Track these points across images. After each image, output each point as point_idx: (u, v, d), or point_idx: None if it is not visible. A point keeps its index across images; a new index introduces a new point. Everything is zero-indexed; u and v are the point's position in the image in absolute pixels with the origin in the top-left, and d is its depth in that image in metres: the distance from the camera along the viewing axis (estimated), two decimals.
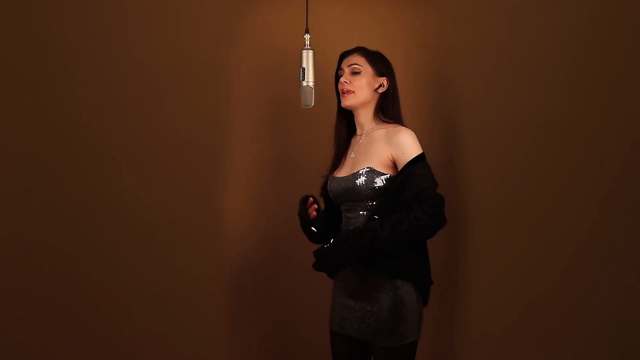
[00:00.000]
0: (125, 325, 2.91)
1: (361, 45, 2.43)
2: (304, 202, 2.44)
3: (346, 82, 2.34)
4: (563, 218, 2.74)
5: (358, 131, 2.42)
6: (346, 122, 2.46)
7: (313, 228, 2.42)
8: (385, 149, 2.29)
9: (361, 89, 2.34)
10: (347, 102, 2.36)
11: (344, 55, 2.42)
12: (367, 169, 2.28)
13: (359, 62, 2.36)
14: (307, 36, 2.34)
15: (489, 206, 2.79)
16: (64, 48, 2.88)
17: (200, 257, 2.92)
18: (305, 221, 2.44)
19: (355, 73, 2.35)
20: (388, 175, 2.28)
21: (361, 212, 2.30)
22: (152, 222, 2.91)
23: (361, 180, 2.28)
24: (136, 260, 2.91)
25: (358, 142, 2.39)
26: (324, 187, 2.47)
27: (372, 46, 2.45)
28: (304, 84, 2.34)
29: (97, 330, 2.90)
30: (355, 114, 2.41)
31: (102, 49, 2.88)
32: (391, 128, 2.32)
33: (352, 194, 2.30)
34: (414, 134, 2.28)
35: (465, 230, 2.82)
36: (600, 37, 2.71)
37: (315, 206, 2.38)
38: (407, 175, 2.21)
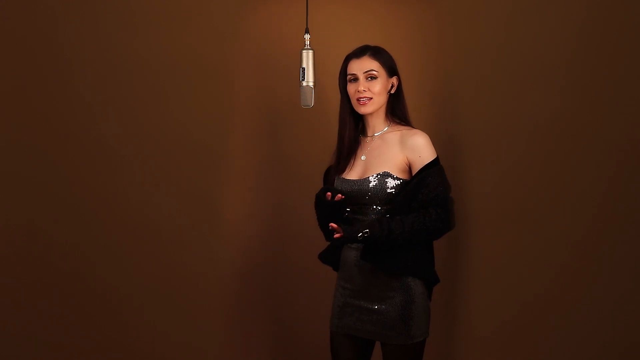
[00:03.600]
0: (129, 320, 2.91)
1: (358, 45, 2.41)
2: (324, 193, 2.32)
3: (365, 90, 2.31)
4: (562, 216, 2.74)
5: (368, 132, 2.40)
6: (353, 122, 2.43)
7: (348, 208, 2.33)
8: (400, 153, 2.29)
9: (379, 95, 2.33)
10: (368, 109, 2.33)
11: (351, 57, 2.37)
12: (382, 173, 2.28)
13: (374, 67, 2.33)
14: (307, 36, 2.34)
15: (488, 205, 2.78)
16: (68, 47, 2.88)
17: (203, 255, 2.92)
18: (329, 209, 2.30)
19: (371, 78, 2.33)
20: (402, 180, 2.28)
21: (372, 216, 2.30)
22: (155, 220, 2.91)
23: (375, 184, 2.27)
24: (140, 257, 2.91)
25: (369, 144, 2.38)
26: (330, 185, 2.43)
27: None
28: (304, 84, 2.34)
29: (101, 325, 2.91)
30: (367, 116, 2.39)
31: (103, 50, 2.88)
32: (405, 131, 2.33)
33: (364, 197, 2.29)
34: (428, 138, 2.31)
35: (465, 229, 2.82)
36: (599, 36, 2.70)
37: (339, 195, 2.28)
38: (423, 179, 2.23)
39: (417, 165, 2.27)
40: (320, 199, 2.31)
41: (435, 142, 2.76)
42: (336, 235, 2.23)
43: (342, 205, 2.27)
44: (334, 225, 2.22)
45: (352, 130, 2.42)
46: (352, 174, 2.36)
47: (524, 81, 2.74)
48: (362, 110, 2.34)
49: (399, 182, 2.27)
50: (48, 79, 2.89)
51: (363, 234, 2.21)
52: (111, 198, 2.91)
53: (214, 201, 2.93)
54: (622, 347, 2.71)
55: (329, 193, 2.26)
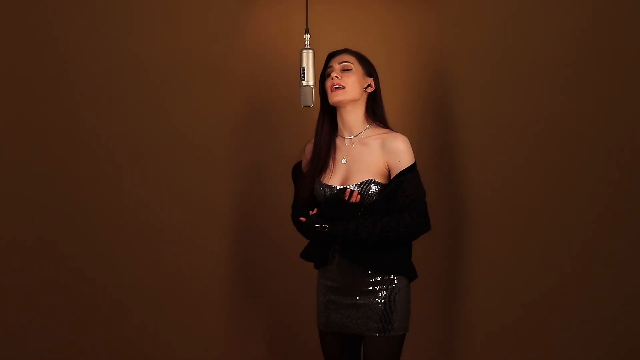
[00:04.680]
0: (122, 324, 2.91)
1: (358, 45, 2.43)
2: (342, 193, 2.31)
3: (337, 77, 2.32)
4: (565, 219, 2.73)
5: (345, 133, 2.39)
6: (329, 123, 2.43)
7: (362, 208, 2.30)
8: (381, 158, 2.31)
9: (352, 86, 2.33)
10: (338, 97, 2.32)
11: (332, 55, 2.41)
12: (366, 181, 2.29)
13: (350, 60, 2.36)
14: (307, 36, 2.34)
15: (491, 208, 2.78)
16: (63, 47, 2.88)
17: (198, 257, 2.92)
18: (346, 210, 2.29)
19: (346, 70, 2.34)
20: (383, 185, 2.30)
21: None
22: (150, 221, 2.90)
23: (359, 191, 2.28)
24: (134, 259, 2.91)
25: (348, 147, 2.37)
26: (306, 187, 2.41)
27: (371, 47, 2.46)
28: (304, 84, 2.33)
29: (95, 330, 2.90)
30: (341, 114, 2.38)
31: (101, 48, 2.88)
32: (387, 135, 2.32)
33: (355, 203, 2.30)
34: (409, 142, 2.31)
35: (468, 231, 2.82)
36: (602, 38, 2.70)
37: (357, 194, 2.28)
38: (401, 183, 2.26)
39: (395, 170, 2.29)
40: (336, 200, 2.30)
41: (435, 143, 2.77)
42: (302, 218, 2.31)
43: (358, 206, 2.28)
44: (316, 211, 2.30)
45: (328, 129, 2.42)
46: (334, 179, 2.36)
47: (527, 83, 2.74)
48: (333, 98, 2.33)
49: (381, 186, 2.29)
50: (38, 80, 2.87)
51: (322, 227, 2.25)
52: (105, 200, 2.89)
53: (213, 202, 2.92)
54: (625, 350, 2.70)
55: (348, 190, 2.28)
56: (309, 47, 2.33)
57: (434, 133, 2.86)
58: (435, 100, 2.89)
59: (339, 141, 2.41)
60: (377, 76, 2.42)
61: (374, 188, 2.28)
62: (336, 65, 2.36)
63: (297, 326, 2.98)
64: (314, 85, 2.34)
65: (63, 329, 2.89)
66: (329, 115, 2.43)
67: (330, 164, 2.38)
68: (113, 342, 2.91)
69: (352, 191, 2.28)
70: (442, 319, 2.86)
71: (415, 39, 2.89)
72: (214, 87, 2.91)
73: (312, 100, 2.34)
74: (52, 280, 2.89)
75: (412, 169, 2.28)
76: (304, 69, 2.33)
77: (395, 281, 2.29)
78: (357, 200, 2.27)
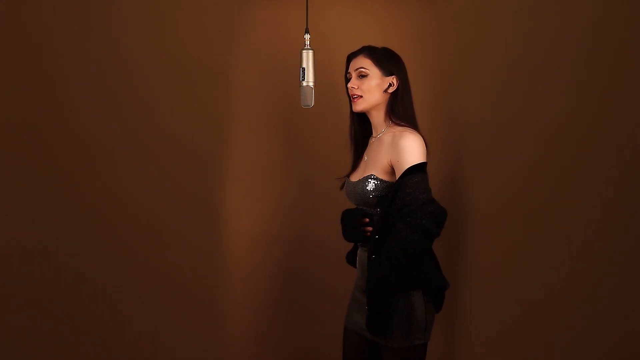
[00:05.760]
0: (122, 324, 2.91)
1: (358, 45, 2.42)
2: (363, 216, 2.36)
3: (354, 87, 2.33)
4: (566, 220, 2.73)
5: (373, 133, 2.41)
6: (361, 122, 2.44)
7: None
8: (387, 155, 2.27)
9: (370, 92, 2.32)
10: (358, 107, 2.34)
11: (350, 58, 2.39)
12: (372, 176, 2.28)
13: (365, 64, 2.33)
14: (307, 36, 2.34)
15: (491, 208, 2.78)
16: (60, 47, 2.87)
17: (198, 259, 2.92)
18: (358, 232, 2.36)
19: (362, 76, 2.33)
20: (385, 182, 2.27)
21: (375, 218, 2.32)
22: (151, 224, 2.90)
23: (368, 187, 2.28)
24: (134, 261, 2.90)
25: (371, 145, 2.39)
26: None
27: None
28: (304, 84, 2.33)
29: (94, 330, 2.90)
30: (368, 116, 2.40)
31: (100, 49, 2.88)
32: (397, 132, 2.27)
33: (362, 199, 2.30)
34: (418, 140, 2.23)
35: (468, 232, 2.81)
36: (605, 38, 2.70)
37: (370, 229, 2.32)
38: (398, 187, 2.18)
39: (397, 170, 2.22)
40: (351, 214, 2.36)
41: (435, 145, 2.76)
42: None
43: (370, 202, 2.30)
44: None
45: (358, 130, 2.45)
46: (355, 175, 2.39)
47: (529, 83, 2.73)
48: (354, 108, 2.36)
49: (385, 184, 2.26)
50: (35, 81, 2.87)
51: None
52: (105, 203, 2.89)
53: (212, 203, 2.92)
54: (626, 351, 2.70)
55: (365, 220, 2.32)
56: (309, 47, 2.33)
57: (433, 135, 2.85)
58: (435, 100, 2.88)
59: (370, 141, 2.43)
60: (403, 70, 2.37)
61: (372, 183, 2.27)
62: (353, 72, 2.36)
63: (297, 326, 2.98)
64: (314, 85, 2.34)
65: (62, 330, 2.89)
66: (358, 117, 2.44)
67: (359, 162, 2.42)
68: (113, 342, 2.91)
69: (367, 221, 2.32)
70: (442, 320, 2.86)
71: (415, 39, 2.89)
72: (213, 87, 2.90)
73: (312, 100, 2.34)
74: (51, 281, 2.88)
75: (412, 171, 2.18)
76: (304, 69, 2.33)
77: (409, 292, 2.24)
78: (367, 234, 2.30)
